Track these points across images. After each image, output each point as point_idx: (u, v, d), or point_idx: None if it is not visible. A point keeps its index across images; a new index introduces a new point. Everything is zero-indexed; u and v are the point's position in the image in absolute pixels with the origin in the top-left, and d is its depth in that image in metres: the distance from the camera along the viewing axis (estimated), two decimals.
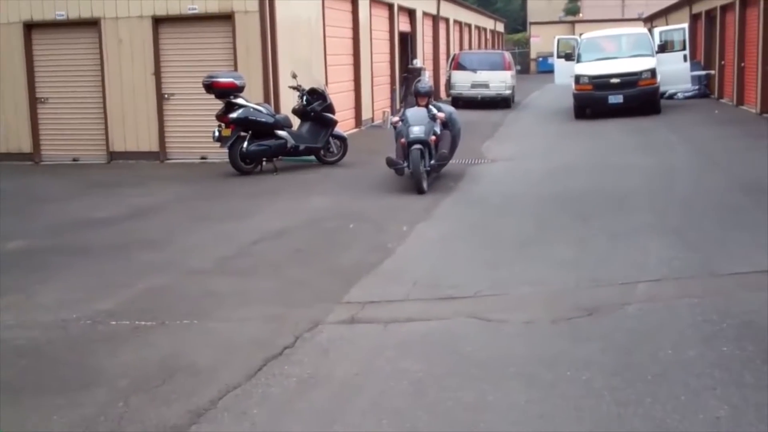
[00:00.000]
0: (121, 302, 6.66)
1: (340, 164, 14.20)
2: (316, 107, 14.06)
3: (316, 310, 6.28)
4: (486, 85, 26.61)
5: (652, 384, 4.70)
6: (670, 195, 10.48)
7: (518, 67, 37.10)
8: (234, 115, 13.12)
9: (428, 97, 12.32)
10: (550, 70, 33.49)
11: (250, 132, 13.31)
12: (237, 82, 13.24)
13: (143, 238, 9.16)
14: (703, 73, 25.99)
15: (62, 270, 7.83)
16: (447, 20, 34.01)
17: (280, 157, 13.75)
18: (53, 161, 15.97)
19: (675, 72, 22.41)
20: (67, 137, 16.03)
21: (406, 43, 26.75)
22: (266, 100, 14.56)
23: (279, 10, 15.01)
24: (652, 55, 21.74)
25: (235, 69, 14.53)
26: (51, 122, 16.09)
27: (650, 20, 40.47)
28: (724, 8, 24.33)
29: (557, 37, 26.83)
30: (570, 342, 5.46)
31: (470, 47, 39.92)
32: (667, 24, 31.28)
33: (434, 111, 11.88)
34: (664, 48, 22.85)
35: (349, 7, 20.00)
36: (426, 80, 25.32)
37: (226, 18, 14.84)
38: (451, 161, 12.31)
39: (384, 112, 21.17)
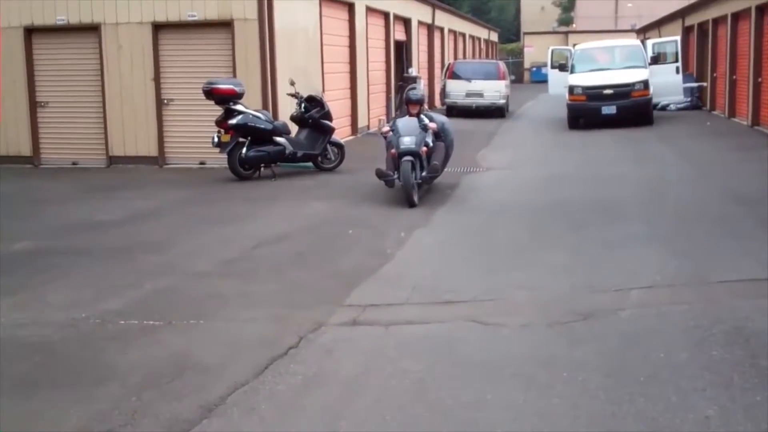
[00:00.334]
0: (128, 302, 6.83)
1: (338, 171, 14.38)
2: (314, 114, 14.26)
3: (318, 312, 6.46)
4: (480, 95, 26.86)
5: (644, 385, 4.89)
6: (662, 205, 10.70)
7: (512, 77, 37.35)
8: (233, 121, 13.30)
9: (420, 104, 12.01)
10: (543, 80, 33.74)
11: (249, 138, 13.50)
12: (236, 88, 13.43)
13: (146, 240, 9.33)
14: (695, 85, 26.29)
15: (69, 271, 7.99)
16: (442, 29, 34.28)
17: (278, 163, 13.93)
18: (53, 165, 16.12)
19: (667, 84, 22.70)
20: (66, 141, 16.17)
21: (401, 52, 26.99)
22: (265, 106, 14.74)
23: (277, 17, 15.20)
24: (645, 67, 22.01)
25: (234, 75, 14.71)
26: (51, 126, 16.23)
27: (643, 32, 40.85)
28: (716, 21, 24.65)
29: (551, 48, 27.10)
30: (566, 345, 5.66)
31: (465, 56, 40.20)
32: (660, 36, 31.64)
33: (426, 121, 11.58)
34: (656, 60, 23.13)
35: (345, 15, 20.22)
36: (420, 88, 25.65)
37: (226, 25, 15.02)
38: (446, 170, 12.38)
39: (380, 120, 21.39)
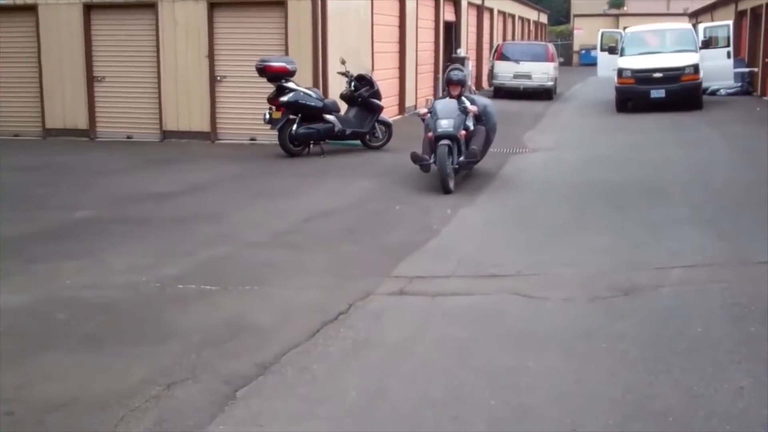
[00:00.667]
0: (185, 268, 7.16)
1: (385, 149, 14.60)
2: (363, 93, 14.49)
3: (367, 282, 6.72)
4: (528, 76, 26.85)
5: (682, 357, 5.07)
6: (706, 188, 10.76)
7: (561, 59, 37.17)
8: (285, 98, 13.58)
9: (461, 86, 11.42)
10: (592, 63, 33.56)
11: (299, 115, 13.76)
12: (289, 66, 13.69)
13: (201, 211, 9.66)
14: (746, 70, 26.00)
15: (128, 238, 8.36)
16: (491, 10, 34.22)
17: (327, 140, 14.20)
18: (108, 138, 16.56)
19: (718, 68, 22.49)
20: (121, 115, 16.59)
21: (450, 33, 27.06)
22: (315, 84, 14.99)
23: None
24: (696, 51, 21.83)
25: (286, 54, 14.99)
26: (107, 100, 16.66)
27: (695, 16, 40.34)
28: None
29: (601, 31, 26.96)
30: (606, 318, 5.85)
31: (513, 38, 40.05)
32: (712, 20, 31.26)
33: (466, 103, 11.10)
34: (707, 44, 22.92)
35: None
36: (468, 69, 25.71)
37: (279, 4, 15.28)
38: (493, 150, 12.37)
39: (427, 100, 21.49)
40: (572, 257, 7.52)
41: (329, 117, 14.02)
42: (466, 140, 10.96)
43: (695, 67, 20.98)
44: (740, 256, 7.46)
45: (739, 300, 6.12)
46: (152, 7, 15.96)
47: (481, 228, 8.90)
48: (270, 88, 13.83)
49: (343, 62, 14.52)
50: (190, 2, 15.72)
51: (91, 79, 16.61)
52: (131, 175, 12.47)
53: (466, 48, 28.23)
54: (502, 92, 26.78)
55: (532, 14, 48.12)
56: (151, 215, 9.49)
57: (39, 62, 16.76)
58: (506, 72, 27.14)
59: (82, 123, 16.77)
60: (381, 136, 14.87)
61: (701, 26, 24.60)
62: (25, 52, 16.85)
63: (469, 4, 29.37)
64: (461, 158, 10.82)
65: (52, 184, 11.66)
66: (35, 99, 16.96)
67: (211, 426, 4.25)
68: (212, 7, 15.66)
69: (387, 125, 14.98)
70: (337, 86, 15.22)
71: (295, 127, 13.73)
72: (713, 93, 24.54)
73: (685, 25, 27.78)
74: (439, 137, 10.60)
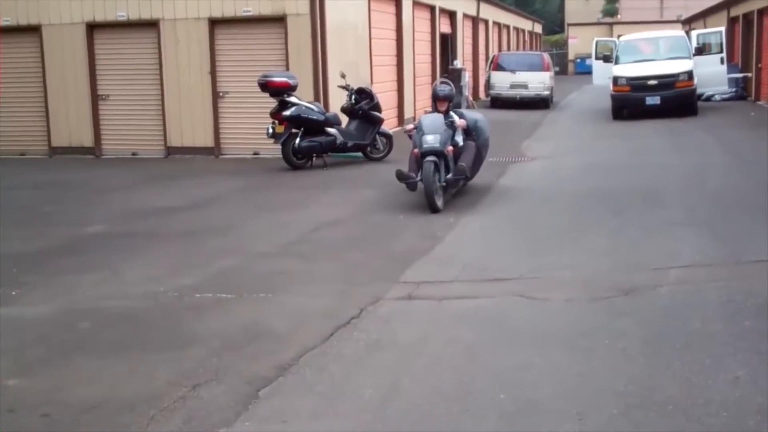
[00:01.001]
0: (200, 279, 7.42)
1: (386, 160, 14.86)
2: (363, 106, 14.78)
3: (376, 288, 6.97)
4: (525, 86, 27.18)
5: (680, 351, 5.33)
6: (702, 192, 11.03)
7: (556, 68, 37.51)
8: (287, 112, 13.87)
9: (448, 101, 11.00)
10: (587, 71, 33.95)
11: (302, 129, 14.05)
12: (290, 81, 13.99)
13: (209, 225, 9.92)
14: (740, 75, 26.35)
15: (141, 251, 8.62)
16: (486, 22, 34.61)
17: (329, 153, 14.48)
18: (113, 155, 16.85)
19: (712, 74, 22.81)
20: (126, 133, 16.91)
21: (446, 44, 27.41)
22: (316, 98, 15.28)
23: (328, 12, 15.74)
24: (689, 58, 22.14)
25: (287, 69, 15.28)
26: (111, 118, 16.99)
27: (688, 23, 40.76)
28: (762, 12, 24.71)
29: (596, 39, 27.33)
30: (607, 317, 6.11)
31: (509, 48, 40.46)
32: (705, 27, 31.63)
33: (454, 117, 10.72)
34: (701, 51, 23.25)
35: (393, 9, 20.71)
36: (466, 80, 26.03)
37: (279, 20, 15.60)
38: (492, 159, 12.50)
39: (426, 111, 21.79)
40: (572, 260, 7.78)
41: (331, 130, 14.30)
42: (454, 156, 10.58)
43: (689, 74, 21.29)
44: (735, 256, 7.73)
45: (735, 297, 6.38)
46: (154, 25, 16.28)
47: (483, 234, 9.16)
48: (272, 102, 14.12)
49: (343, 76, 14.82)
50: (191, 20, 16.03)
51: (95, 98, 16.91)
52: (138, 191, 12.73)
53: (462, 59, 28.58)
54: (499, 102, 27.14)
55: (526, 24, 48.57)
56: (160, 229, 9.75)
57: (44, 82, 17.09)
58: (503, 82, 27.48)
59: (88, 141, 17.05)
60: (382, 148, 15.15)
61: (694, 33, 24.95)
62: (30, 71, 17.20)
63: (465, 16, 29.74)
64: (449, 175, 10.40)
65: (62, 202, 11.94)
66: (41, 118, 17.28)
67: (237, 423, 4.50)
68: (213, 24, 15.98)
69: (388, 137, 15.26)
70: (337, 100, 15.51)
71: (297, 140, 14.01)
72: (708, 99, 24.85)
73: (679, 32, 28.09)
74: (425, 153, 10.21)
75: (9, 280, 7.45)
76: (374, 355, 5.48)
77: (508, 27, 41.23)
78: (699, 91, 22.37)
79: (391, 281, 7.21)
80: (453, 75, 25.81)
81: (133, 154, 16.79)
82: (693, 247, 8.02)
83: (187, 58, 16.19)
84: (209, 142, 16.29)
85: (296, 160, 14.16)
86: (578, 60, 55.73)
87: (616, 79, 21.92)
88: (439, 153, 10.21)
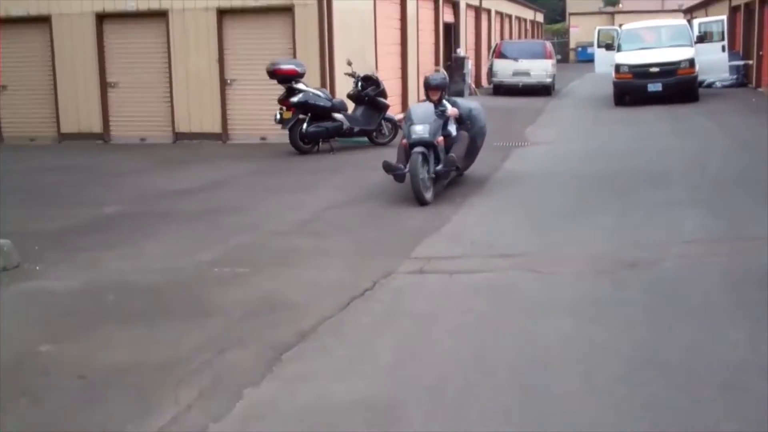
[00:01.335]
0: (218, 254, 7.67)
1: (391, 145, 15.00)
2: (369, 92, 15.00)
3: (388, 263, 7.21)
4: (527, 74, 27.36)
5: (683, 318, 5.58)
6: (703, 174, 11.25)
7: (558, 57, 37.67)
8: (295, 99, 14.11)
9: (441, 90, 10.55)
10: (588, 60, 34.12)
11: (309, 115, 14.30)
12: (298, 68, 14.22)
13: (222, 205, 10.16)
14: (741, 63, 26.54)
15: (158, 230, 8.87)
16: (489, 11, 34.77)
17: (335, 138, 14.72)
18: (122, 141, 17.08)
19: (713, 62, 22.98)
20: (135, 119, 17.13)
21: (450, 34, 27.60)
22: (323, 85, 15.50)
23: (335, 2, 15.94)
24: (691, 46, 22.32)
25: (294, 57, 15.49)
26: (120, 105, 17.20)
27: (690, 12, 40.89)
28: (763, 1, 24.87)
29: (598, 28, 27.49)
30: (612, 288, 6.36)
31: (511, 37, 40.62)
32: (706, 16, 31.80)
33: (446, 106, 10.36)
34: (703, 39, 23.43)
35: None
36: (469, 68, 26.24)
37: (287, 9, 15.80)
38: (496, 144, 12.62)
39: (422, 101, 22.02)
40: (578, 237, 8.02)
41: (338, 116, 14.54)
42: (447, 147, 10.19)
43: (691, 61, 21.46)
44: (735, 233, 7.97)
45: (735, 270, 6.63)
46: (163, 15, 16.47)
47: (490, 214, 9.39)
48: (278, 89, 14.33)
49: (349, 63, 15.04)
50: (199, 10, 16.23)
51: (104, 85, 17.12)
52: (150, 175, 12.97)
53: (465, 48, 28.78)
54: (501, 89, 27.35)
55: (528, 14, 48.69)
56: (175, 209, 9.99)
57: (53, 70, 17.31)
58: (505, 70, 27.66)
59: (97, 127, 17.28)
60: (387, 133, 15.39)
61: (696, 21, 25.11)
62: (40, 60, 17.40)
63: (468, 5, 29.93)
64: (439, 167, 9.98)
65: (76, 184, 12.19)
66: (50, 105, 17.49)
67: (264, 383, 4.75)
68: (221, 14, 16.17)
69: (393, 123, 15.48)
70: (343, 86, 15.71)
71: (305, 126, 14.25)
72: (709, 86, 25.05)
73: (681, 21, 28.26)
74: (413, 144, 9.83)
75: (32, 256, 7.68)
76: (390, 324, 5.72)
77: (510, 16, 41.38)
78: (700, 78, 22.55)
79: (402, 257, 7.44)
80: (456, 63, 26.13)
81: (142, 139, 17.01)
82: (695, 225, 8.25)
83: (196, 47, 16.39)
84: (217, 128, 16.52)
85: (303, 144, 14.40)
86: (579, 48, 55.91)
87: (618, 67, 22.09)
88: (428, 143, 9.84)
